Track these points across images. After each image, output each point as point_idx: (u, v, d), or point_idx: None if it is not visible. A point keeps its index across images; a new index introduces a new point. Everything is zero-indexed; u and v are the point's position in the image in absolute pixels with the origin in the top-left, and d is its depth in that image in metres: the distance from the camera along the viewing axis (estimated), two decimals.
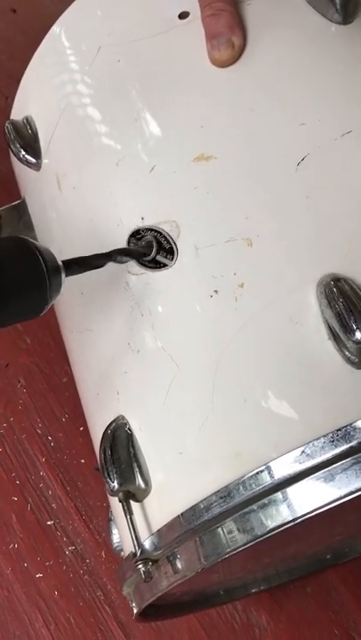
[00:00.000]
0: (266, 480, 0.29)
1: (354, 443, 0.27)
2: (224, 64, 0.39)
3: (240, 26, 0.39)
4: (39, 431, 0.64)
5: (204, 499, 0.31)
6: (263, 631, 0.55)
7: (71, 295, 0.43)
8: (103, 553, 0.58)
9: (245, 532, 0.31)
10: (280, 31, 0.39)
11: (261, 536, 0.30)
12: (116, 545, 0.42)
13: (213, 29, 0.39)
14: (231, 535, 0.31)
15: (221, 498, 0.30)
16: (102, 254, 0.36)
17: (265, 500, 0.30)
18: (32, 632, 0.56)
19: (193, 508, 0.32)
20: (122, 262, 0.37)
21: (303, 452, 0.28)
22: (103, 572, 0.58)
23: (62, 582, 0.57)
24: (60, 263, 0.33)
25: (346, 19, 0.39)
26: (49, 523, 0.60)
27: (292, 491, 0.29)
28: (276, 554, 0.44)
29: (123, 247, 0.37)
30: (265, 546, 0.32)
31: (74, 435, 0.63)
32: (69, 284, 0.43)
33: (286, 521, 0.29)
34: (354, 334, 0.28)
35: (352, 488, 0.27)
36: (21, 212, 0.52)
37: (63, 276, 0.33)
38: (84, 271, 0.36)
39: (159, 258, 0.36)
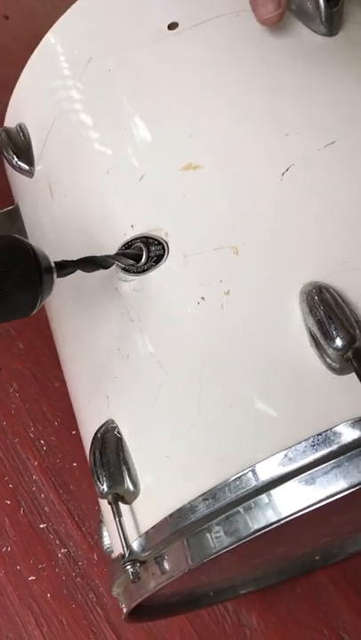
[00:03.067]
0: (250, 483, 0.30)
1: (334, 447, 0.28)
2: (270, 22, 0.38)
3: None
4: (32, 435, 0.64)
5: (191, 501, 0.32)
6: (254, 632, 0.55)
7: (63, 301, 0.44)
8: (95, 555, 0.59)
9: (231, 534, 0.32)
10: (267, 43, 0.40)
11: (246, 537, 0.31)
12: (106, 547, 0.43)
13: None
14: (217, 536, 0.32)
15: (207, 500, 0.31)
16: (93, 258, 0.37)
17: (250, 503, 0.31)
18: (25, 634, 0.56)
19: (180, 510, 0.32)
20: (113, 266, 0.38)
21: (286, 455, 0.29)
22: (95, 575, 0.58)
23: (55, 585, 0.58)
24: (53, 264, 0.34)
25: (331, 30, 0.40)
26: (42, 526, 0.60)
27: (275, 493, 0.30)
28: (264, 555, 0.45)
29: (114, 253, 0.38)
30: (252, 547, 0.33)
31: (66, 438, 0.63)
32: (61, 289, 0.44)
33: (270, 523, 0.30)
34: (334, 342, 0.29)
35: (332, 491, 0.28)
36: (15, 217, 0.52)
37: (55, 276, 0.34)
38: (74, 271, 0.36)
39: (148, 265, 0.37)
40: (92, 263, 0.37)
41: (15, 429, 0.65)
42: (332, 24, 0.40)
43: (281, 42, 0.40)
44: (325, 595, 0.56)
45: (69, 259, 0.37)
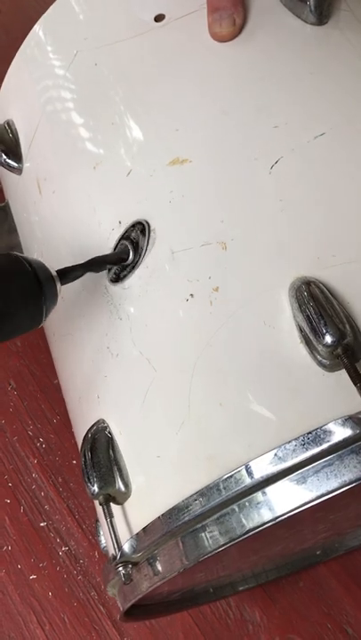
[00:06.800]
0: (240, 483, 0.29)
1: (324, 446, 0.27)
2: (223, 39, 0.39)
3: (243, 5, 0.39)
4: (30, 433, 0.64)
5: (182, 501, 0.31)
6: (256, 626, 0.55)
7: None
8: (96, 553, 0.58)
9: (225, 533, 0.31)
10: (255, 33, 0.39)
11: (240, 537, 0.30)
12: (103, 546, 0.43)
13: (217, 3, 0.38)
14: (212, 536, 0.32)
15: (198, 499, 0.31)
16: (92, 261, 0.37)
17: (244, 502, 0.30)
18: (27, 633, 0.56)
19: (171, 510, 0.32)
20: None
21: (275, 454, 0.28)
22: (97, 572, 0.58)
23: (56, 583, 0.58)
24: (55, 273, 0.34)
25: (320, 19, 0.39)
26: (42, 524, 0.60)
27: (268, 492, 0.30)
28: (263, 552, 0.44)
29: (105, 254, 0.37)
30: (249, 544, 0.32)
31: (65, 436, 0.63)
32: None
33: (263, 522, 0.30)
34: (324, 338, 0.28)
35: (323, 491, 0.28)
36: (5, 214, 0.52)
37: (59, 285, 0.34)
38: (80, 276, 0.36)
39: (135, 262, 0.36)
40: (95, 265, 0.37)
41: (14, 427, 0.65)
42: (321, 13, 0.39)
43: (270, 32, 0.39)
44: (328, 588, 0.55)
45: (58, 255, 0.37)
